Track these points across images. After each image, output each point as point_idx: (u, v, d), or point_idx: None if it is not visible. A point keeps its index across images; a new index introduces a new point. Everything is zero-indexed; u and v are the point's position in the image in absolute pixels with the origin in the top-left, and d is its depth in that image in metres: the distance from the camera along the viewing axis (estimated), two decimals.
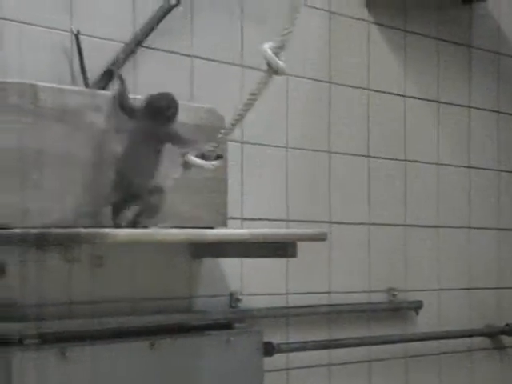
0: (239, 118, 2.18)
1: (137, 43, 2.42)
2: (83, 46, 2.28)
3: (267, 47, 2.11)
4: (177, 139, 2.19)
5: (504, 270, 3.51)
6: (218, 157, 2.21)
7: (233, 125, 2.20)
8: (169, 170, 2.21)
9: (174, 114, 2.21)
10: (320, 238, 2.39)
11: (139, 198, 2.13)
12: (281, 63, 2.10)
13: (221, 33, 2.64)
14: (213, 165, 2.20)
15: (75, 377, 2.16)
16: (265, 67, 2.14)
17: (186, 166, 2.19)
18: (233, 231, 2.33)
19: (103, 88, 2.33)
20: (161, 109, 2.20)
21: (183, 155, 2.19)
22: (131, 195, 2.13)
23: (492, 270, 3.48)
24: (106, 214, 2.16)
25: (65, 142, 2.17)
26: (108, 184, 2.16)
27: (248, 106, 2.16)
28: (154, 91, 2.41)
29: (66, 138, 2.17)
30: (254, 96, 2.15)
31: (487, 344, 3.44)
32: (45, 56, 2.23)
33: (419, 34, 3.22)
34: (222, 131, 2.21)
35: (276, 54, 2.11)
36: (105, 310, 2.31)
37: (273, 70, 2.11)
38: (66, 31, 2.28)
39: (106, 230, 1.96)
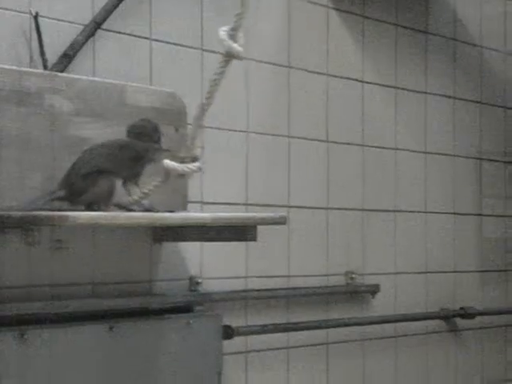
0: (206, 108, 2.17)
1: (96, 25, 2.40)
2: (42, 27, 2.26)
3: (223, 31, 2.10)
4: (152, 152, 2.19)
5: (459, 254, 3.56)
6: (194, 159, 2.19)
7: (199, 116, 2.17)
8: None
9: (159, 137, 2.21)
10: (280, 221, 2.40)
11: None
12: (236, 46, 2.09)
13: (180, 16, 2.63)
14: (188, 168, 2.17)
15: (34, 359, 2.16)
16: (222, 51, 2.13)
17: (166, 173, 2.17)
18: (195, 215, 2.34)
19: (62, 70, 2.31)
20: (146, 131, 2.19)
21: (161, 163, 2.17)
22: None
23: (448, 254, 3.52)
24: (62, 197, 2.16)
25: (23, 124, 2.16)
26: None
27: (211, 93, 2.16)
28: (113, 74, 2.41)
29: (25, 120, 2.16)
30: (215, 82, 2.15)
31: (442, 327, 3.49)
32: (3, 38, 2.22)
33: (378, 19, 3.25)
34: (191, 126, 2.19)
35: (232, 37, 2.10)
36: (64, 292, 2.30)
37: (230, 54, 2.11)
38: (25, 13, 2.26)
39: (67, 213, 1.95)
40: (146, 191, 2.20)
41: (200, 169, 2.19)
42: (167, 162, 2.16)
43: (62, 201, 2.12)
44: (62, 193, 2.13)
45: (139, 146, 2.19)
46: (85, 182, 2.13)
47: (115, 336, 2.32)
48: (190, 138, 2.18)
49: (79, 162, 2.16)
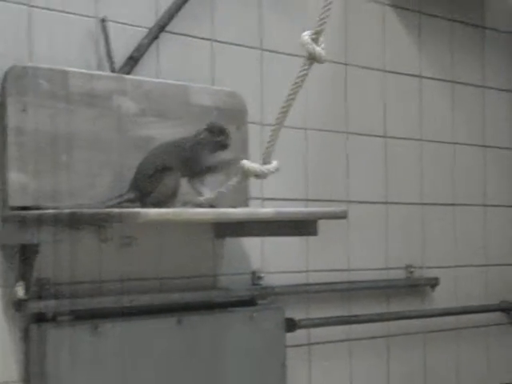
0: (286, 110, 2.18)
1: (160, 28, 2.47)
2: (109, 31, 2.33)
3: (306, 35, 2.12)
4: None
5: None
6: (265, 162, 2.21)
7: (280, 117, 2.19)
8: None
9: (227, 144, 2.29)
10: (340, 216, 2.44)
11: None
12: (319, 50, 2.12)
13: (240, 17, 2.69)
14: (266, 169, 2.20)
15: (107, 352, 2.24)
16: (305, 55, 2.14)
17: (244, 173, 2.20)
18: (258, 210, 2.39)
19: (128, 73, 2.39)
20: (222, 131, 2.28)
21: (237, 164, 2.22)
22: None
23: (507, 247, 3.52)
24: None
25: (93, 125, 2.24)
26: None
27: (293, 95, 2.17)
28: (177, 75, 2.48)
29: (95, 121, 2.24)
30: (297, 84, 2.16)
31: (503, 319, 3.50)
32: (73, 42, 2.30)
33: (433, 15, 3.27)
34: (272, 128, 2.21)
35: (315, 41, 2.12)
36: (134, 287, 2.38)
37: (312, 57, 2.13)
38: (93, 17, 2.34)
39: (137, 210, 2.03)
40: (222, 190, 2.24)
41: (277, 169, 2.21)
42: (245, 162, 2.20)
43: (132, 202, 2.21)
44: (131, 195, 2.22)
45: (194, 145, 2.26)
46: (151, 182, 2.22)
47: (183, 329, 2.39)
48: (269, 139, 2.20)
49: (145, 163, 2.25)
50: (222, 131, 2.29)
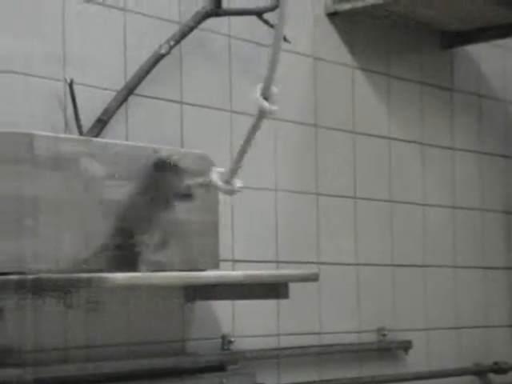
0: (237, 167, 2.24)
1: (128, 91, 2.47)
2: (76, 94, 2.32)
3: (257, 91, 2.17)
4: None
5: (491, 308, 3.56)
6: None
7: (232, 172, 2.25)
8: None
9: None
10: (312, 278, 2.43)
11: None
12: (267, 105, 2.15)
13: (209, 79, 2.69)
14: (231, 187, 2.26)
15: None
16: (256, 109, 2.19)
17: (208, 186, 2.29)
18: (228, 273, 2.37)
19: (96, 135, 2.37)
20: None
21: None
22: None
23: (479, 309, 3.52)
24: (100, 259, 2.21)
25: (60, 188, 2.21)
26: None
27: (242, 152, 2.22)
28: (146, 138, 2.47)
29: (62, 184, 2.21)
30: (248, 141, 2.20)
31: (476, 382, 3.47)
32: (39, 105, 2.28)
33: (402, 78, 3.30)
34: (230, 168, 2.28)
35: (265, 97, 2.16)
36: (101, 354, 2.33)
37: (262, 113, 2.17)
38: (60, 80, 2.33)
39: (105, 275, 1.99)
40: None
41: (241, 187, 2.30)
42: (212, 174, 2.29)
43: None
44: None
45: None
46: None
47: None
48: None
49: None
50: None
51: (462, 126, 3.50)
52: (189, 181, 2.35)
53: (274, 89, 2.16)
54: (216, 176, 2.30)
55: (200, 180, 2.34)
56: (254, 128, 2.20)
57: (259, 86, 2.17)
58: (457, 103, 3.49)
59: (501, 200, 3.65)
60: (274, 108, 2.16)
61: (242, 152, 2.24)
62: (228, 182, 2.28)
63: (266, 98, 2.16)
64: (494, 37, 3.43)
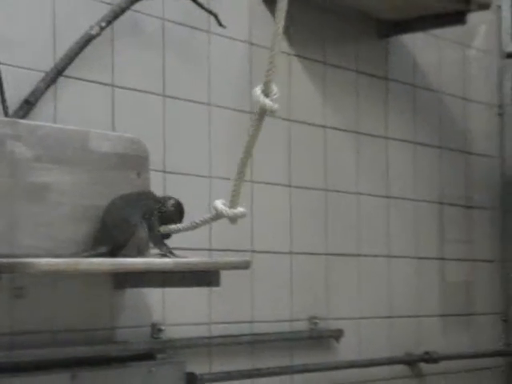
0: (243, 169, 2.25)
1: (57, 72, 2.41)
2: (3, 74, 2.26)
3: (257, 90, 2.17)
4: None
5: (423, 298, 3.58)
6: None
7: (240, 170, 2.25)
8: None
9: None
10: (243, 266, 2.40)
11: None
12: (269, 102, 2.14)
13: (142, 62, 2.64)
14: (234, 213, 2.27)
15: None
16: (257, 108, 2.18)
17: (217, 213, 2.28)
18: (157, 260, 2.33)
19: (23, 117, 2.31)
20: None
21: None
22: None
23: (411, 299, 3.53)
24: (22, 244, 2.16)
25: None
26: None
27: (248, 151, 2.23)
28: (75, 121, 2.41)
29: None
30: (252, 140, 2.21)
31: (407, 372, 3.49)
32: None
33: (338, 66, 3.29)
34: (233, 183, 2.28)
35: (265, 94, 2.15)
36: (25, 341, 2.27)
37: (264, 110, 2.16)
38: None
39: (30, 260, 1.94)
40: (197, 222, 2.31)
41: (245, 214, 2.31)
42: (217, 203, 2.27)
43: (104, 256, 2.22)
44: (103, 249, 2.25)
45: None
46: (124, 236, 2.27)
47: None
48: (232, 192, 2.28)
49: (110, 217, 2.29)
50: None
51: (396, 115, 3.51)
52: (198, 220, 2.35)
53: (274, 87, 2.15)
54: (221, 205, 2.29)
55: (209, 216, 2.33)
56: (256, 128, 2.17)
57: (259, 86, 2.15)
58: (392, 92, 3.50)
59: (434, 190, 3.67)
60: (276, 106, 2.14)
61: (244, 165, 2.24)
62: (233, 208, 2.28)
63: (266, 96, 2.14)
64: (430, 26, 3.45)
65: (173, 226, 2.37)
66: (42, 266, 1.94)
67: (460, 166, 3.80)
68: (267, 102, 2.15)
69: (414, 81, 3.59)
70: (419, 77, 3.62)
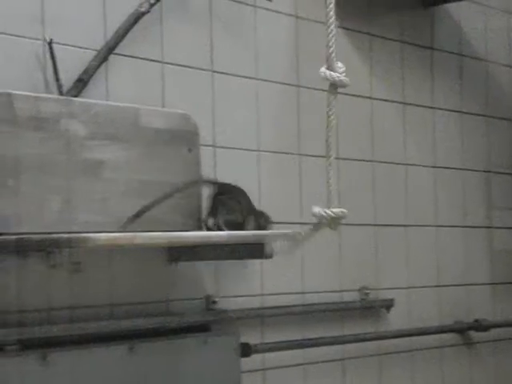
0: (330, 142, 2.25)
1: (108, 50, 2.44)
2: (56, 53, 2.29)
3: (323, 69, 2.19)
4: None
5: (471, 266, 3.58)
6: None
7: (328, 153, 2.25)
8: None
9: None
10: (295, 238, 2.42)
11: None
12: (337, 75, 2.17)
13: (190, 38, 2.67)
14: (334, 212, 2.26)
15: (56, 382, 2.18)
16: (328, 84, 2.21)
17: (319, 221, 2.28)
18: (212, 233, 2.36)
19: (76, 95, 2.35)
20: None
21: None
22: None
23: (460, 267, 3.54)
24: (78, 219, 2.20)
25: (41, 148, 2.19)
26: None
27: (330, 127, 2.24)
28: (126, 98, 2.44)
29: (42, 144, 2.19)
30: (331, 117, 2.23)
31: (457, 340, 3.50)
32: (19, 64, 2.25)
33: (383, 37, 3.28)
34: (326, 169, 2.26)
35: (331, 69, 2.19)
36: (84, 315, 2.32)
37: (336, 86, 2.20)
38: (40, 39, 2.29)
39: (87, 235, 1.98)
40: (302, 234, 2.31)
41: (344, 213, 2.27)
42: (314, 208, 2.27)
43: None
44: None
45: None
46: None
47: (135, 356, 2.34)
48: (327, 182, 2.28)
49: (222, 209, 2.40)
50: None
51: (442, 85, 3.49)
52: (304, 233, 2.36)
53: (339, 62, 2.19)
54: (320, 210, 2.27)
55: (311, 229, 2.33)
56: (332, 107, 2.19)
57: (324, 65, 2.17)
58: (437, 62, 3.48)
59: (481, 159, 3.65)
60: (346, 79, 2.16)
61: (329, 149, 2.23)
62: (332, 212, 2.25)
63: (332, 70, 2.17)
64: None
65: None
66: (99, 241, 1.98)
67: (507, 134, 3.78)
68: (335, 75, 2.15)
69: (460, 50, 3.57)
70: (465, 46, 3.59)
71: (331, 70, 2.17)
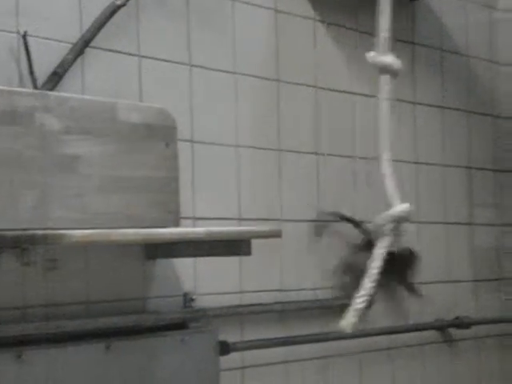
0: (386, 136, 2.21)
1: (84, 43, 2.40)
2: (31, 47, 2.25)
3: (371, 53, 2.21)
4: None
5: (452, 263, 3.57)
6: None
7: (382, 150, 2.23)
8: None
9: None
10: (274, 235, 2.40)
11: None
12: (391, 59, 2.08)
13: (167, 31, 2.63)
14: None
15: (31, 380, 2.14)
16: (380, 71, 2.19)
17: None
18: (189, 230, 2.34)
19: (51, 89, 2.31)
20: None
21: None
22: None
23: (441, 264, 3.52)
24: (53, 215, 2.16)
25: (15, 143, 2.15)
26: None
27: (385, 115, 2.22)
28: (103, 92, 2.41)
29: (16, 139, 2.15)
30: (386, 103, 2.22)
31: (438, 337, 3.49)
32: None
33: (363, 31, 3.25)
34: (382, 165, 2.25)
35: (383, 54, 2.20)
36: (60, 312, 2.28)
37: (387, 70, 2.14)
38: (13, 32, 2.25)
39: (63, 231, 1.95)
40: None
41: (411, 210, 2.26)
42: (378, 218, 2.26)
43: None
44: None
45: None
46: None
47: (111, 354, 2.31)
48: (386, 184, 2.29)
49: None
50: None
51: (423, 80, 3.48)
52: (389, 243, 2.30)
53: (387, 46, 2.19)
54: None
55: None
56: (386, 90, 2.11)
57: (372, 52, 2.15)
58: (418, 57, 3.47)
59: (463, 155, 3.64)
60: (399, 62, 2.10)
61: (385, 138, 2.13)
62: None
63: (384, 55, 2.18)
64: None
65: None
66: (75, 237, 1.95)
67: (488, 129, 3.76)
68: (388, 59, 2.10)
69: (441, 44, 3.56)
70: (446, 40, 3.58)
71: (384, 55, 2.10)
